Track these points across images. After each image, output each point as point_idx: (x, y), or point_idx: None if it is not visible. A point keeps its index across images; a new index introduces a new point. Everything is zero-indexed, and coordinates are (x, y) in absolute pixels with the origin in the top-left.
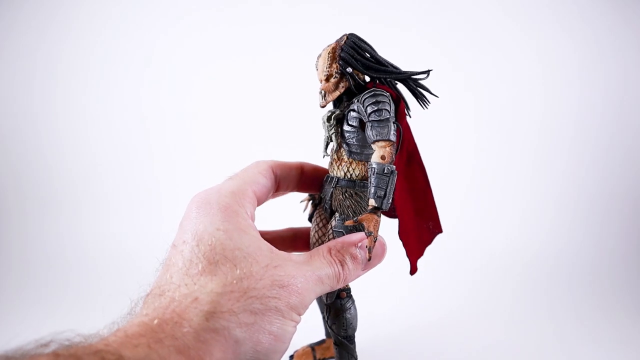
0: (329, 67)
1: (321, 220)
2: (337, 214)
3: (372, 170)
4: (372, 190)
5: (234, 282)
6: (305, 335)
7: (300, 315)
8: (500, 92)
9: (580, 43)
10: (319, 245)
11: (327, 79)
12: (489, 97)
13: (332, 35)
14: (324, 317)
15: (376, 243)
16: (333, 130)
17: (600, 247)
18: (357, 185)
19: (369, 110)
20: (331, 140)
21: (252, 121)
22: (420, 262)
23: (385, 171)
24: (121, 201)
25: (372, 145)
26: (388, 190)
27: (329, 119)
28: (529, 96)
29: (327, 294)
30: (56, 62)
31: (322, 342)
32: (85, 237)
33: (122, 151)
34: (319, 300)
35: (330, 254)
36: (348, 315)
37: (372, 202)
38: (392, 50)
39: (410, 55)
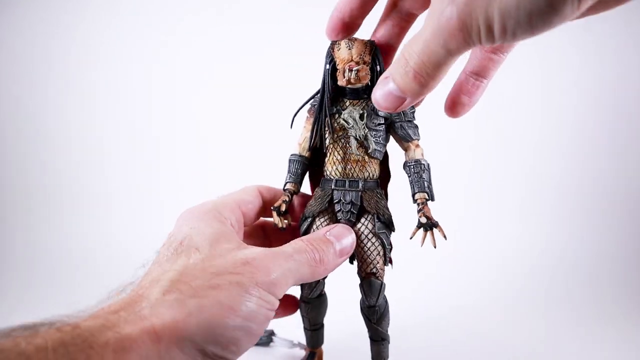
0: (365, 55)
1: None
2: (368, 217)
3: (423, 167)
4: (425, 184)
5: (195, 263)
6: None
7: (272, 295)
8: (500, 92)
9: (581, 43)
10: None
11: (364, 63)
12: (490, 97)
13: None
14: (309, 329)
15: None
16: (367, 129)
17: (603, 247)
18: (378, 185)
19: (408, 111)
20: (365, 139)
21: (255, 122)
22: (422, 263)
23: (430, 167)
24: (124, 201)
25: (408, 144)
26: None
27: (361, 117)
28: (529, 98)
29: (374, 294)
30: (59, 61)
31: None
32: (87, 237)
33: (125, 151)
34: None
35: (302, 240)
36: (389, 311)
37: (424, 195)
38: None
39: None
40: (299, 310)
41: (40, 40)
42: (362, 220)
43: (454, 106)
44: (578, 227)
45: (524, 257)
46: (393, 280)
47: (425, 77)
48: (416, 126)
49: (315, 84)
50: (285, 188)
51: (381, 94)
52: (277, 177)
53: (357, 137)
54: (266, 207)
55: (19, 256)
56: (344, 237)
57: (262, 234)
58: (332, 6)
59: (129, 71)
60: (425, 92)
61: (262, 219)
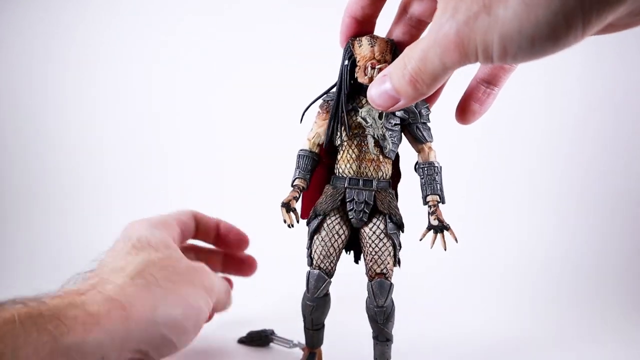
0: (386, 54)
1: (345, 226)
2: (380, 217)
3: (436, 169)
4: (437, 187)
5: (156, 259)
6: None
7: (211, 299)
8: (504, 93)
9: (584, 44)
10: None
11: (386, 62)
12: (501, 103)
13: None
14: (311, 329)
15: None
16: (385, 129)
17: (607, 248)
18: (390, 185)
19: (424, 112)
20: (383, 139)
21: (257, 121)
22: (426, 264)
23: (442, 170)
24: (124, 201)
25: (421, 146)
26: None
27: (380, 116)
28: (532, 99)
29: (384, 295)
30: (59, 61)
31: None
32: (87, 238)
33: (126, 152)
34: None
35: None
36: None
37: (436, 198)
38: None
39: None
40: (299, 310)
41: (40, 40)
42: (374, 220)
43: (464, 113)
44: (582, 229)
45: (528, 258)
46: (396, 281)
47: (421, 84)
48: (430, 128)
49: (317, 83)
50: (295, 184)
51: (377, 92)
52: (276, 177)
53: (375, 136)
54: (198, 232)
55: (18, 257)
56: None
57: (193, 256)
58: (336, 5)
59: (129, 71)
60: (419, 97)
61: (191, 241)
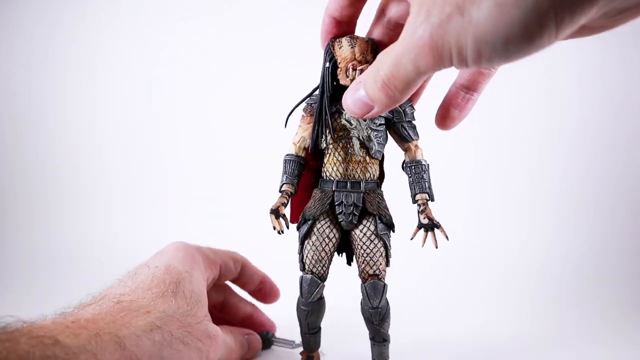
0: (367, 54)
1: (335, 229)
2: (370, 218)
3: (423, 167)
4: (426, 185)
5: (182, 313)
6: None
7: None
8: (504, 93)
9: (584, 44)
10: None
11: (367, 62)
12: (493, 99)
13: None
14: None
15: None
16: (370, 130)
17: (607, 248)
18: (378, 186)
19: (408, 111)
20: (368, 140)
21: (255, 124)
22: (427, 264)
23: (429, 167)
24: (125, 202)
25: (408, 145)
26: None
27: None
28: (532, 99)
29: (377, 296)
30: (60, 61)
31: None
32: (87, 238)
33: (125, 152)
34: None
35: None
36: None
37: (425, 196)
38: None
39: None
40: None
41: (40, 41)
42: (364, 222)
43: (444, 119)
44: (582, 229)
45: (528, 258)
46: (398, 281)
47: (393, 90)
48: (415, 126)
49: (307, 85)
50: (282, 190)
51: (351, 99)
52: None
53: (360, 137)
54: (239, 279)
55: (18, 257)
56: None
57: (221, 295)
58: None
59: (129, 72)
60: (393, 104)
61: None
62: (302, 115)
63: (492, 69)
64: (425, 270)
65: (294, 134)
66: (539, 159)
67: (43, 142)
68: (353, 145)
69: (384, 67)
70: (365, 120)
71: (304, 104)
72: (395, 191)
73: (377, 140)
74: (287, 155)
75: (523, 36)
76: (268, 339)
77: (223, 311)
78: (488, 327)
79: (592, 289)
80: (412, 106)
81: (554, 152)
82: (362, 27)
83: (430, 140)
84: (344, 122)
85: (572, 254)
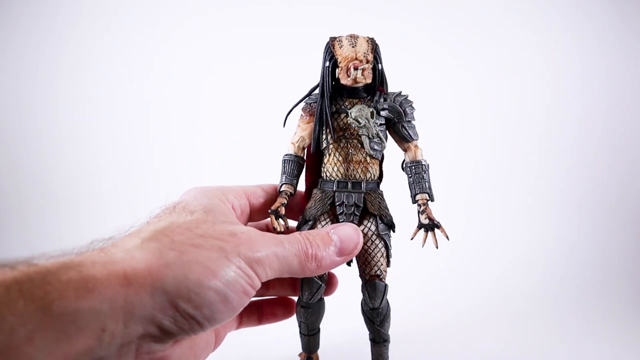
0: (368, 53)
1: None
2: (371, 218)
3: (423, 167)
4: (426, 185)
5: (183, 222)
6: None
7: (253, 270)
8: (506, 93)
9: (587, 45)
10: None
11: (367, 62)
12: (495, 99)
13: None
14: (307, 334)
15: (349, 234)
16: (379, 127)
17: (610, 247)
18: (378, 186)
19: (409, 111)
20: (378, 139)
21: (254, 122)
22: (427, 266)
23: (429, 167)
24: (123, 200)
25: (408, 145)
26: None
27: (372, 115)
28: (534, 99)
29: (379, 297)
30: (58, 61)
31: None
32: (86, 238)
33: (124, 152)
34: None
35: (300, 233)
36: (391, 313)
37: (425, 196)
38: (399, 48)
39: (411, 52)
40: (294, 317)
41: (33, 40)
42: (365, 222)
43: None
44: (584, 229)
45: (530, 258)
46: (401, 283)
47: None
48: (415, 126)
49: (306, 84)
50: (282, 190)
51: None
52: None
53: (370, 135)
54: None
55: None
56: (349, 238)
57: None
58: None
59: (125, 70)
60: None
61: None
62: (301, 115)
63: None
64: (426, 271)
65: (293, 134)
66: (540, 160)
67: (40, 142)
68: (362, 143)
69: None
70: (373, 118)
71: (302, 104)
72: (394, 191)
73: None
74: (285, 155)
75: None
76: None
77: None
78: (490, 328)
79: (599, 290)
80: (412, 106)
81: (555, 152)
82: (362, 27)
83: (433, 141)
84: (350, 121)
85: (579, 256)
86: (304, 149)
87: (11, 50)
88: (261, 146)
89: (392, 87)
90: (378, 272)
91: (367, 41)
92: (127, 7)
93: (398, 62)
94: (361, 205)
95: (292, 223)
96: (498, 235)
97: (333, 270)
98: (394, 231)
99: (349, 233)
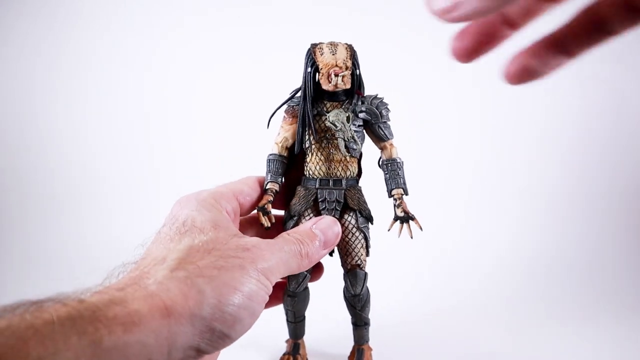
0: (347, 60)
1: None
2: (351, 212)
3: (398, 164)
4: (401, 181)
5: (200, 244)
6: None
7: (268, 280)
8: (501, 93)
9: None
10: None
11: (347, 68)
12: (490, 99)
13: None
14: (293, 321)
15: (329, 226)
16: (354, 130)
17: (598, 247)
18: (357, 182)
19: (384, 112)
20: (353, 141)
21: (252, 122)
22: (423, 262)
23: (403, 164)
24: (122, 199)
25: (384, 144)
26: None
27: (348, 119)
28: (528, 99)
29: (359, 284)
30: (57, 61)
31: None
32: (86, 237)
33: (123, 151)
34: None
35: (289, 234)
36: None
37: (400, 191)
38: (399, 48)
39: (411, 52)
40: (281, 306)
41: (32, 41)
42: (346, 216)
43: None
44: (573, 228)
45: (518, 256)
46: (397, 280)
47: None
48: (390, 127)
49: (290, 85)
50: (267, 188)
51: None
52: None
53: (345, 138)
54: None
55: (17, 256)
56: (330, 230)
57: (258, 225)
58: (308, 10)
59: (125, 70)
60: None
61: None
62: (284, 117)
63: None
64: (403, 259)
65: (276, 134)
66: (531, 160)
67: (40, 142)
68: (338, 145)
69: None
70: (349, 122)
71: (285, 106)
72: (372, 187)
73: (358, 139)
74: (270, 154)
75: None
76: None
77: None
78: (488, 326)
79: (587, 289)
80: (387, 108)
81: (549, 153)
82: (362, 27)
83: (432, 141)
84: (328, 124)
85: (567, 254)
86: (287, 148)
87: (11, 50)
88: (261, 146)
89: (392, 87)
90: (358, 262)
91: (346, 48)
92: (127, 7)
93: (398, 62)
94: (342, 200)
95: (276, 212)
96: (488, 233)
97: None
98: (372, 223)
99: (328, 225)
